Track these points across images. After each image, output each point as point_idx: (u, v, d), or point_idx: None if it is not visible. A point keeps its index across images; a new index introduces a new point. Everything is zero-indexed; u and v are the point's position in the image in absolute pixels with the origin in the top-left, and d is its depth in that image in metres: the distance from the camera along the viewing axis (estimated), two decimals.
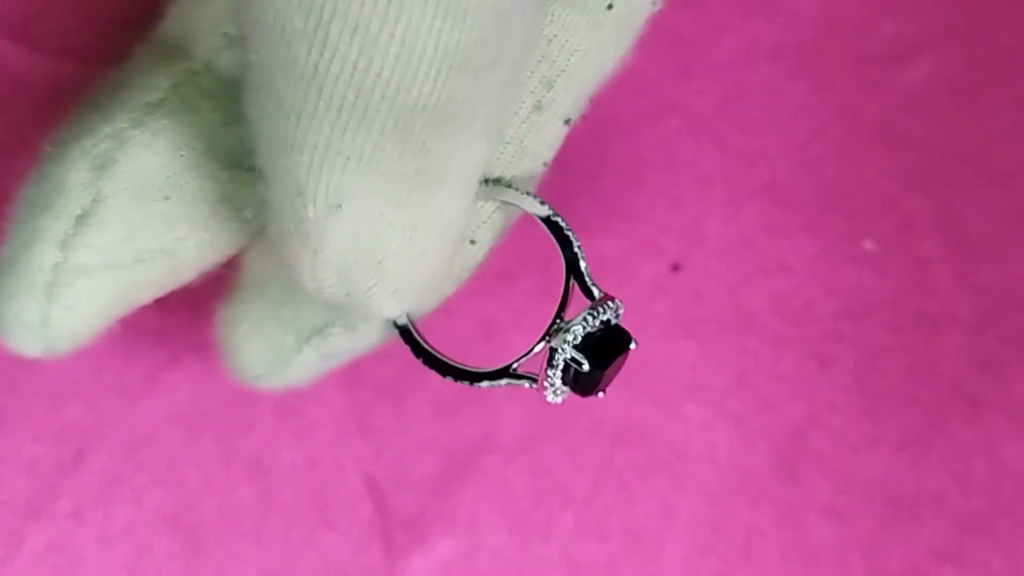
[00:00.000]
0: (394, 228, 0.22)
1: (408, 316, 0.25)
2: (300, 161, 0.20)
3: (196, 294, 0.31)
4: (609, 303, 0.24)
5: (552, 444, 0.32)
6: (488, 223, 0.25)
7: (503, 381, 0.24)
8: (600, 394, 0.24)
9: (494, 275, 0.32)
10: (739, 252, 0.33)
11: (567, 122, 0.24)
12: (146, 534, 0.31)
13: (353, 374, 0.32)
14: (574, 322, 0.23)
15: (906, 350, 0.33)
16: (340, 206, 0.21)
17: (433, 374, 0.25)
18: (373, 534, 0.31)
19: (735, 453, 0.33)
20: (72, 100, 0.31)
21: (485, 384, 0.24)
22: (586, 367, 0.23)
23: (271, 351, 0.26)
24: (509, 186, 0.24)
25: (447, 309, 0.32)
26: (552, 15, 0.23)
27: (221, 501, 0.31)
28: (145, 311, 0.30)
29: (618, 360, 0.24)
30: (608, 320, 0.24)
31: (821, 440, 0.33)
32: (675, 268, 0.33)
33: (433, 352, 0.25)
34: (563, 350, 0.23)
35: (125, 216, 0.24)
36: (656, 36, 0.29)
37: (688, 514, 0.32)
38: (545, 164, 0.25)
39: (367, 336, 0.27)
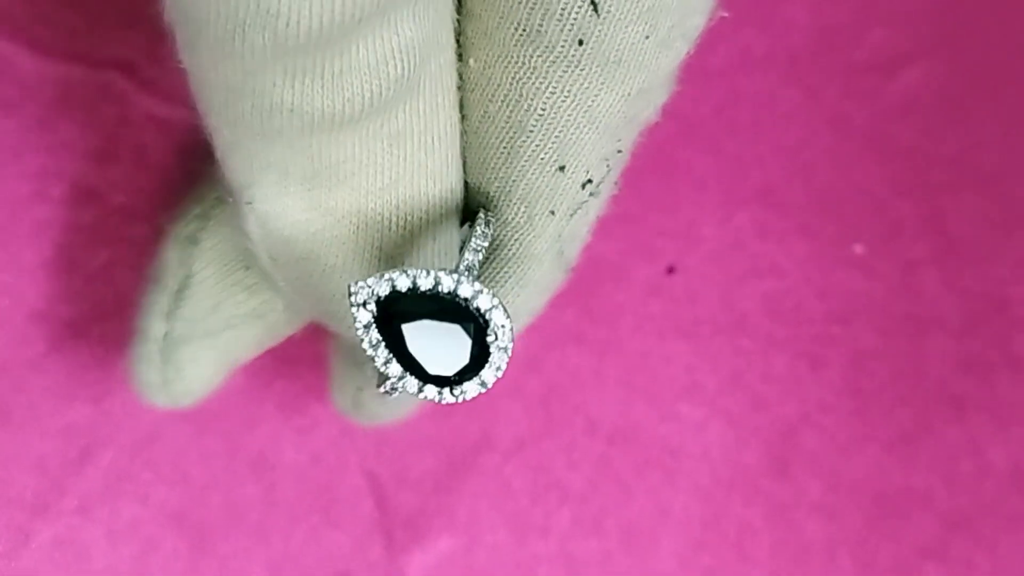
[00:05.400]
0: (328, 239, 0.23)
1: None
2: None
3: None
4: None
5: (549, 443, 0.33)
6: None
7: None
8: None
9: None
10: (732, 255, 0.34)
11: (562, 168, 0.23)
12: (152, 530, 0.31)
13: None
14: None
15: (894, 352, 0.34)
16: (251, 202, 0.22)
17: None
18: (375, 531, 0.32)
19: (728, 452, 0.33)
20: (79, 105, 0.31)
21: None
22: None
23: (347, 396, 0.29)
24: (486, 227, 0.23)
25: None
26: (510, 56, 0.22)
27: (226, 498, 0.32)
28: None
29: None
30: None
31: (811, 439, 0.34)
32: (670, 270, 0.33)
33: None
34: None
35: (211, 289, 0.27)
36: None
37: (682, 511, 0.33)
38: (552, 213, 0.24)
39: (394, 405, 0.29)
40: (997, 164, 0.35)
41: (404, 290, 0.21)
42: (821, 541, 0.33)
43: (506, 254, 0.24)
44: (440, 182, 0.23)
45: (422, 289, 0.21)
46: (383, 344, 0.22)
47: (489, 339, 0.22)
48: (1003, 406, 0.34)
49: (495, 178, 0.23)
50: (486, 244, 0.23)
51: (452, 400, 0.22)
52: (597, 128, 0.22)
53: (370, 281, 0.21)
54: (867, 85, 0.34)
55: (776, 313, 0.34)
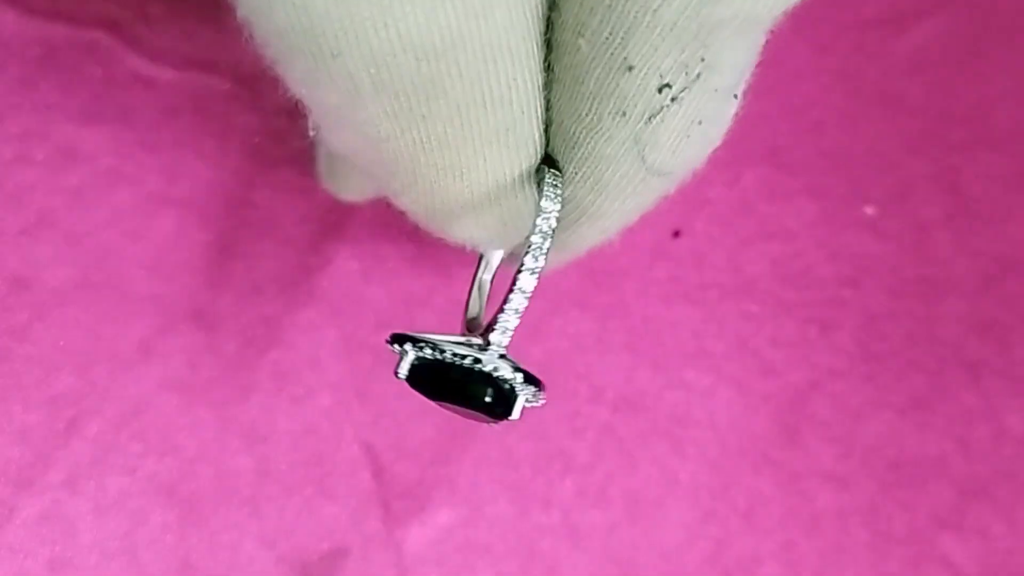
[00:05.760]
0: (391, 172, 0.22)
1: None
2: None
3: (190, 260, 0.31)
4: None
5: (552, 411, 0.32)
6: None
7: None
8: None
9: None
10: (740, 217, 0.33)
11: (630, 69, 0.22)
12: (140, 503, 0.30)
13: (351, 340, 0.31)
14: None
15: (907, 315, 0.33)
16: (314, 130, 0.23)
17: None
18: (372, 502, 0.31)
19: (736, 419, 0.32)
20: (63, 65, 0.30)
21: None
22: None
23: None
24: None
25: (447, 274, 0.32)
26: None
27: (217, 470, 0.31)
28: (138, 278, 0.30)
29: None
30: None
31: (822, 405, 0.33)
32: (676, 234, 0.32)
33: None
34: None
35: None
36: None
37: (689, 480, 0.32)
38: (623, 114, 0.22)
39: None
40: (1011, 121, 0.34)
41: (432, 359, 0.23)
42: (833, 510, 0.32)
43: (581, 154, 0.23)
44: (503, 145, 0.22)
45: (449, 360, 0.23)
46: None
47: (515, 409, 0.24)
48: (1019, 369, 0.33)
49: (569, 66, 0.22)
50: (542, 261, 0.23)
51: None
52: (670, 31, 0.21)
53: (405, 345, 0.23)
54: (877, 41, 0.33)
55: (785, 276, 0.33)
